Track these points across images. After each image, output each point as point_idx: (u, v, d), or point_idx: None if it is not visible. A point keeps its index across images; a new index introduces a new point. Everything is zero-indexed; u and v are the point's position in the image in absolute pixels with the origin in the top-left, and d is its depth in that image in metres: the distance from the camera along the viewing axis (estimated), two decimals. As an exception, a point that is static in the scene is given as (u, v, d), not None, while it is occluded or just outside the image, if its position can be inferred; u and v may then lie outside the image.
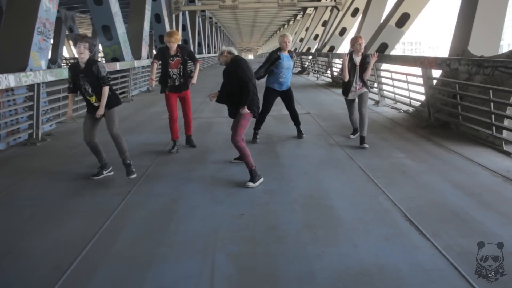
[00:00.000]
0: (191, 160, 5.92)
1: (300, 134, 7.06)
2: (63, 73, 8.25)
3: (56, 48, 30.35)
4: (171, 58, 6.10)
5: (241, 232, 3.64)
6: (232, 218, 3.93)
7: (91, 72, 4.88)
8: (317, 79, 19.38)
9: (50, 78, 7.75)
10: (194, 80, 6.26)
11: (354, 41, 6.37)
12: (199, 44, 34.62)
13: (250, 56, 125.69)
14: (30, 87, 7.37)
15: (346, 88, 6.53)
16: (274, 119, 9.05)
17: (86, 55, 4.87)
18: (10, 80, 6.48)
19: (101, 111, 4.95)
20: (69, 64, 5.94)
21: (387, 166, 5.35)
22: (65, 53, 40.46)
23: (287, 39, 6.60)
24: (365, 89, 6.44)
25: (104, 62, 14.13)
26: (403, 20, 14.03)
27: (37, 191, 4.88)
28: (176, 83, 6.19)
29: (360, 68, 6.34)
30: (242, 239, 3.52)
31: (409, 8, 13.83)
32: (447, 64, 6.81)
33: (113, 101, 5.10)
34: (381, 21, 15.57)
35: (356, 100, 6.59)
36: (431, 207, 4.04)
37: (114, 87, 12.11)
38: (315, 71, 20.82)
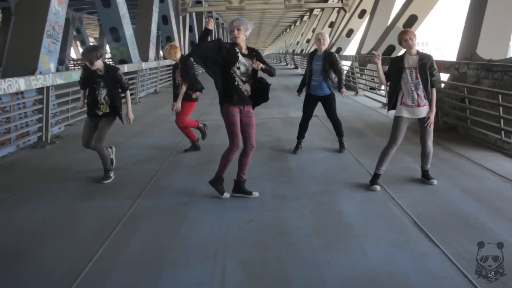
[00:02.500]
0: (200, 164, 5.95)
1: (341, 147, 6.45)
2: (72, 76, 8.31)
3: (64, 49, 30.49)
4: (177, 69, 6.42)
5: (251, 237, 3.66)
6: (241, 223, 3.95)
7: (113, 78, 5.04)
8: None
9: (59, 81, 7.81)
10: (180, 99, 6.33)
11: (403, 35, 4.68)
12: (206, 45, 34.58)
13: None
14: (40, 90, 7.43)
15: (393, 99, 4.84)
16: (281, 122, 9.09)
17: (98, 64, 4.99)
18: (20, 83, 6.54)
19: (130, 114, 5.31)
20: (83, 64, 6.04)
21: (396, 171, 5.34)
22: (73, 54, 40.61)
23: (321, 36, 6.14)
24: (429, 109, 4.76)
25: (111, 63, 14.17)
26: (411, 22, 14.05)
27: (47, 195, 4.92)
28: (178, 92, 6.40)
29: (419, 72, 4.64)
30: (252, 244, 3.54)
31: (417, 10, 13.87)
32: (456, 68, 6.81)
33: (119, 110, 5.18)
34: (389, 22, 15.58)
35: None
36: (440, 213, 4.04)
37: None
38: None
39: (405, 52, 4.74)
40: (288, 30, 60.08)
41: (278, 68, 35.73)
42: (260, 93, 4.55)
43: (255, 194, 4.60)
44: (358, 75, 14.12)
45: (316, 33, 6.27)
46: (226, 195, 4.59)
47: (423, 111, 4.70)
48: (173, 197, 4.69)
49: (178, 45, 6.47)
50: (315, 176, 5.24)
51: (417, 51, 4.70)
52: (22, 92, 7.04)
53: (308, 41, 35.62)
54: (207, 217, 4.12)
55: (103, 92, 5.05)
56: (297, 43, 41.59)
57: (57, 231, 3.91)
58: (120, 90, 5.23)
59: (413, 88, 4.64)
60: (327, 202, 4.40)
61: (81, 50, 38.16)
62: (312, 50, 6.33)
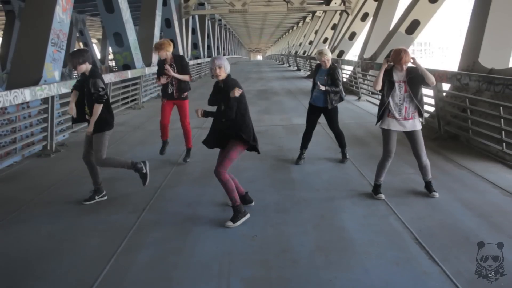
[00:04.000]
0: (203, 175, 6.00)
1: (343, 158, 6.49)
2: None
3: (67, 51, 30.58)
4: (169, 66, 6.34)
5: (254, 255, 3.73)
6: (245, 239, 4.02)
7: (88, 85, 4.77)
8: (327, 84, 19.41)
9: (64, 90, 7.89)
10: (175, 75, 6.33)
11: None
12: (208, 47, 34.73)
13: (259, 57, 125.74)
14: (45, 100, 7.50)
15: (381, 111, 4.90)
16: (284, 129, 9.14)
17: (83, 68, 4.78)
18: (26, 94, 6.62)
19: (90, 128, 4.82)
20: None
21: (397, 183, 5.40)
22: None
23: (324, 57, 6.15)
24: (418, 122, 4.88)
25: (115, 70, 14.23)
26: (413, 27, 14.07)
27: (53, 207, 4.99)
28: (169, 91, 6.47)
29: (409, 85, 4.73)
30: (256, 262, 3.60)
31: (419, 15, 13.87)
32: (458, 78, 6.85)
33: (104, 124, 4.87)
34: (391, 26, 15.62)
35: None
36: (442, 229, 4.10)
37: (125, 94, 12.39)
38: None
39: (393, 65, 4.79)
40: (290, 31, 60.13)
41: (281, 69, 35.82)
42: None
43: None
44: (361, 80, 14.16)
45: (317, 52, 6.24)
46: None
47: (410, 124, 4.81)
48: (178, 211, 4.76)
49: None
50: (318, 189, 5.30)
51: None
52: (27, 102, 7.11)
53: (310, 42, 35.68)
54: (212, 232, 4.19)
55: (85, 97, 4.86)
56: (300, 45, 41.64)
57: (64, 247, 3.98)
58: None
59: (401, 102, 4.76)
60: (329, 217, 4.46)
61: (84, 51, 38.20)
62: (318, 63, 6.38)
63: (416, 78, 4.70)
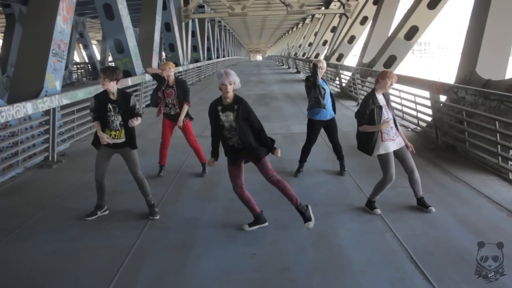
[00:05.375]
0: (204, 188, 6.10)
1: (341, 170, 6.59)
2: (77, 95, 8.48)
3: (67, 54, 30.69)
4: (167, 88, 6.47)
5: (254, 274, 3.82)
6: (245, 257, 4.10)
7: (127, 104, 4.86)
8: (326, 88, 19.49)
9: (65, 101, 7.98)
10: (179, 123, 6.49)
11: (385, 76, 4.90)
12: (208, 49, 34.83)
13: (259, 57, 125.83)
14: (46, 111, 7.58)
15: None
16: (283, 138, 9.21)
17: (110, 86, 4.82)
18: (28, 108, 6.71)
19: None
20: (96, 94, 6.08)
21: (394, 197, 5.48)
22: (76, 58, 40.80)
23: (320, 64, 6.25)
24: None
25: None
26: (412, 33, 14.19)
27: (56, 223, 5.07)
28: (172, 113, 6.54)
29: (390, 107, 4.99)
30: (255, 282, 3.69)
31: (418, 21, 14.00)
32: (455, 92, 6.94)
33: (136, 140, 5.08)
34: (390, 30, 15.74)
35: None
36: (436, 247, 4.18)
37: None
38: (324, 79, 20.89)
39: (374, 91, 4.91)
40: (290, 32, 60.23)
41: (281, 72, 35.92)
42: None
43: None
44: (360, 86, 14.24)
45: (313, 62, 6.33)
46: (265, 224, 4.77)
47: (399, 141, 4.97)
48: (179, 227, 4.84)
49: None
50: (316, 204, 5.36)
51: None
52: (29, 116, 7.19)
53: (310, 44, 35.79)
54: (212, 250, 4.27)
55: (117, 118, 4.91)
56: (299, 46, 41.73)
57: (68, 266, 4.07)
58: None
59: (391, 124, 4.89)
60: (327, 234, 4.54)
61: (84, 53, 38.30)
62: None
63: (389, 100, 4.99)
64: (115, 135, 4.97)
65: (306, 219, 4.49)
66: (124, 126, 4.94)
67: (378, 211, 5.04)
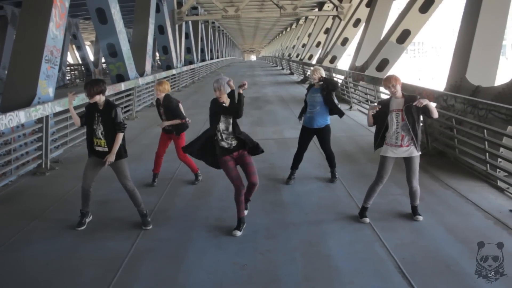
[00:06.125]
0: (196, 196, 6.14)
1: (332, 178, 6.64)
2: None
3: (61, 55, 30.59)
4: (160, 107, 6.63)
5: (244, 285, 3.88)
6: (236, 268, 4.16)
7: (109, 114, 4.92)
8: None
9: (58, 108, 8.00)
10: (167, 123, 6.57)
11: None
12: (202, 51, 34.85)
13: (253, 57, 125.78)
14: (39, 119, 7.61)
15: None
16: (276, 144, 9.27)
17: (96, 99, 4.91)
18: (20, 116, 6.74)
19: (111, 157, 4.92)
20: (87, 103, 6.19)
21: (384, 205, 5.55)
22: (69, 59, 40.70)
23: (315, 72, 6.32)
24: (415, 149, 5.00)
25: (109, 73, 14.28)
26: (404, 37, 14.29)
27: (49, 233, 5.10)
28: (166, 127, 6.65)
29: (406, 113, 4.88)
30: (246, 293, 3.75)
31: (410, 25, 14.10)
32: (444, 99, 7.03)
33: (123, 151, 5.09)
34: (383, 32, 15.84)
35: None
36: (424, 257, 4.26)
37: (120, 106, 12.47)
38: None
39: (391, 97, 5.01)
40: (284, 32, 60.31)
41: (274, 73, 35.99)
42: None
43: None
44: (352, 90, 14.33)
45: (312, 69, 6.37)
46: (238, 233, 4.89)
47: (406, 151, 4.97)
48: (171, 237, 4.88)
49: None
50: (307, 212, 5.45)
51: (403, 94, 4.95)
52: (22, 124, 7.22)
53: (303, 45, 35.87)
54: (204, 261, 4.32)
55: (100, 127, 4.97)
56: (293, 47, 41.82)
57: (61, 279, 4.10)
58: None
59: (398, 130, 4.91)
60: (317, 244, 4.61)
61: (77, 54, 38.19)
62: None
63: (414, 108, 4.84)
64: (99, 144, 5.04)
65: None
66: (105, 137, 4.99)
67: (367, 220, 5.12)
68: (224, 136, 4.89)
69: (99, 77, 35.74)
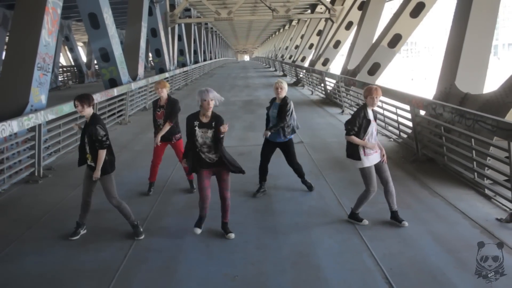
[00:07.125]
0: (187, 206, 6.18)
1: (308, 187, 6.63)
2: (63, 109, 8.53)
3: (53, 57, 30.47)
4: (158, 109, 6.57)
5: (235, 297, 3.95)
6: (226, 280, 4.24)
7: (90, 131, 4.95)
8: (312, 93, 19.69)
9: (51, 116, 8.04)
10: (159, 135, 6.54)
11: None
12: (195, 52, 34.89)
13: (246, 57, 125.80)
14: (32, 127, 7.64)
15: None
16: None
17: (85, 112, 4.98)
18: (13, 126, 6.77)
19: (97, 174, 5.00)
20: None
21: (373, 213, 5.62)
22: (62, 61, 40.56)
23: (278, 85, 6.22)
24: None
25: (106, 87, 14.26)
26: (395, 41, 14.42)
27: (43, 243, 5.14)
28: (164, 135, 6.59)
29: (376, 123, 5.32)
30: (236, 306, 3.82)
31: (401, 30, 14.23)
32: (433, 108, 7.14)
33: (108, 166, 5.09)
34: (375, 36, 15.98)
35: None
36: (411, 267, 4.35)
37: (112, 112, 12.50)
38: (309, 83, 21.02)
39: (365, 106, 5.22)
40: (277, 33, 60.44)
41: (267, 75, 36.02)
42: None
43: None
44: (344, 94, 14.43)
45: (275, 82, 6.31)
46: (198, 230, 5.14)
47: (377, 157, 5.27)
48: (163, 248, 4.94)
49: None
50: (297, 222, 5.51)
51: None
52: (15, 133, 7.25)
53: (296, 47, 36.01)
54: (195, 272, 4.39)
55: (86, 142, 5.04)
56: (286, 48, 41.94)
57: (54, 291, 4.17)
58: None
59: (373, 141, 5.20)
60: (307, 254, 4.69)
61: (70, 55, 38.06)
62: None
63: (376, 117, 5.30)
64: (88, 157, 5.11)
65: (226, 231, 5.16)
66: (91, 152, 5.04)
67: (366, 221, 5.33)
68: (204, 150, 4.97)
69: (92, 79, 35.78)
